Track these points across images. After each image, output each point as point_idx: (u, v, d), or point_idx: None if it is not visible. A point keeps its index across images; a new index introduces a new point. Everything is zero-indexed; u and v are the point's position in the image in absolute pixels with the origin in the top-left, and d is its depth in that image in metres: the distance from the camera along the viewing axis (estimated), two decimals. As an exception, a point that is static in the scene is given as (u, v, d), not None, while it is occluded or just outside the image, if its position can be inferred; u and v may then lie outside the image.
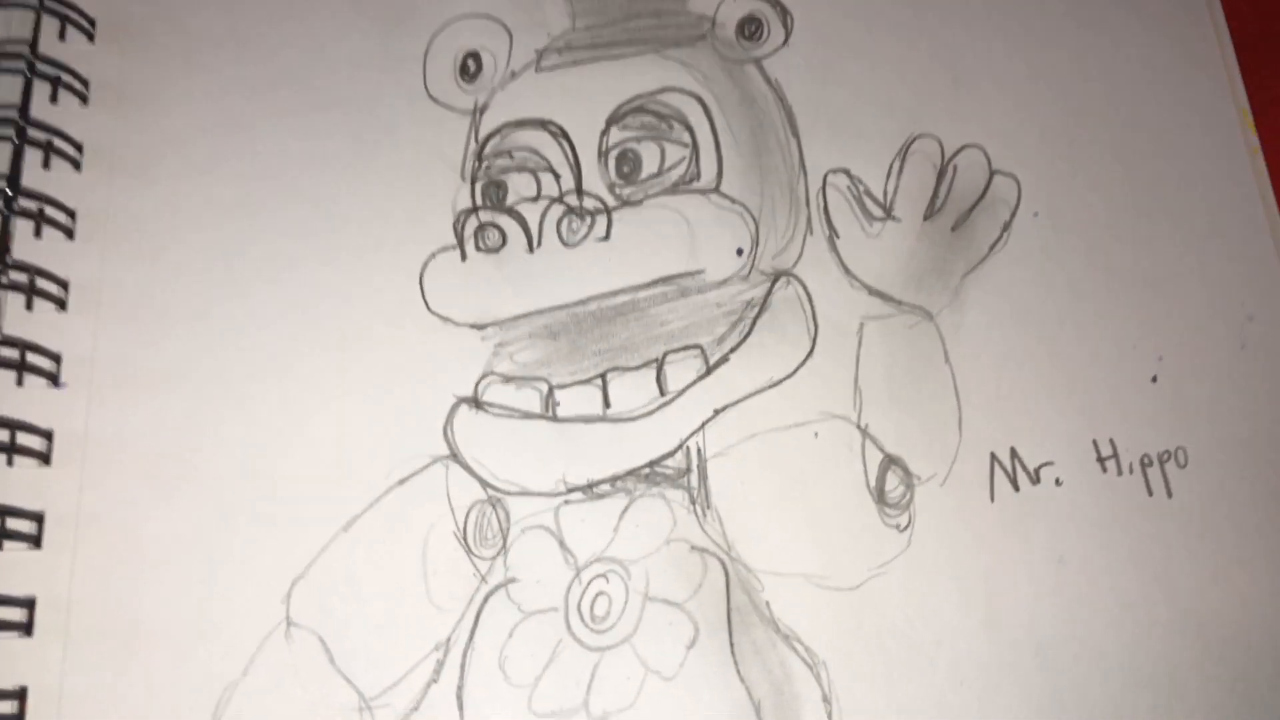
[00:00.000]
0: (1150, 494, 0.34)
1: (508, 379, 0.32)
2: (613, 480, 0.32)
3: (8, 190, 0.30)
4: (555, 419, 0.32)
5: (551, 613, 0.30)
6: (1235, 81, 0.39)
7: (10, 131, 0.31)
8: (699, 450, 0.32)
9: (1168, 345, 0.36)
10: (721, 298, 0.34)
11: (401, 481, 0.30)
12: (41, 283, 0.30)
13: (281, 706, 0.28)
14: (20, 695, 0.27)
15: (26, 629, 0.27)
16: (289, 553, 0.29)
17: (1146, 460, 0.34)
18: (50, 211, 0.30)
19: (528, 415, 0.32)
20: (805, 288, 0.34)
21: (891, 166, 0.36)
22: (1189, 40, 0.39)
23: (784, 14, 0.36)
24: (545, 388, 0.32)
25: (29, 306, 0.30)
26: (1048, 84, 0.37)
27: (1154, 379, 0.35)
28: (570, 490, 0.31)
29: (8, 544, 0.28)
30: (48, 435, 0.29)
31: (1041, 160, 0.37)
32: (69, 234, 0.30)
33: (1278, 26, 0.40)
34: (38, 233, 0.30)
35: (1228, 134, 0.38)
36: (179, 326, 0.30)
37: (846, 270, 0.35)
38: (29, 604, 0.28)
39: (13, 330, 0.29)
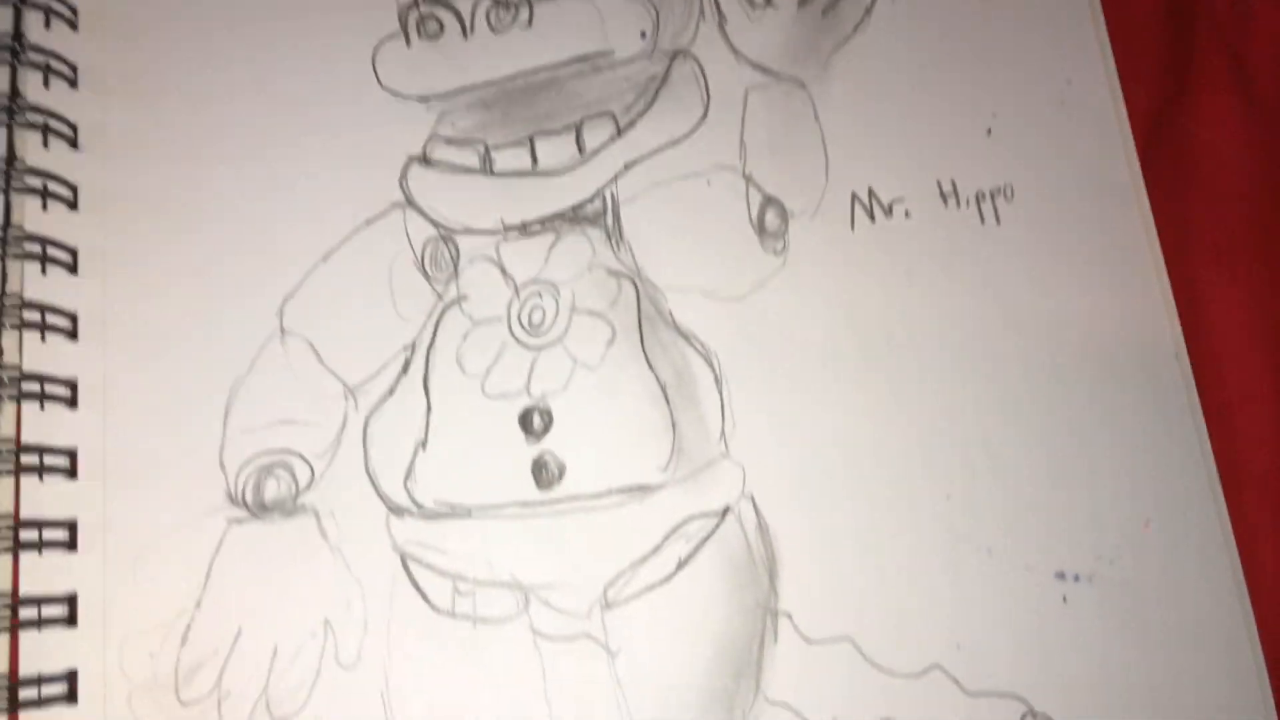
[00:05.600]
0: (983, 222, 0.41)
1: (450, 141, 0.39)
2: (542, 221, 0.38)
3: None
4: (492, 173, 0.39)
5: (496, 322, 0.37)
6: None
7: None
8: (613, 196, 0.39)
9: (1001, 104, 0.43)
10: (629, 73, 0.40)
11: (368, 222, 0.37)
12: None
13: (280, 397, 0.35)
14: (72, 385, 0.34)
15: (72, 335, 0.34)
16: (279, 278, 0.36)
17: (980, 195, 0.41)
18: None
19: (469, 170, 0.38)
20: (699, 63, 0.41)
21: (770, -39, 0.42)
22: None
23: None
24: (483, 148, 0.39)
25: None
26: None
27: (988, 131, 0.42)
28: (508, 229, 0.38)
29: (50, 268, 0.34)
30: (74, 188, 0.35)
31: (897, -47, 0.43)
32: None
33: None
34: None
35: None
36: (178, 106, 0.37)
37: (733, 48, 0.41)
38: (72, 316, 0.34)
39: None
